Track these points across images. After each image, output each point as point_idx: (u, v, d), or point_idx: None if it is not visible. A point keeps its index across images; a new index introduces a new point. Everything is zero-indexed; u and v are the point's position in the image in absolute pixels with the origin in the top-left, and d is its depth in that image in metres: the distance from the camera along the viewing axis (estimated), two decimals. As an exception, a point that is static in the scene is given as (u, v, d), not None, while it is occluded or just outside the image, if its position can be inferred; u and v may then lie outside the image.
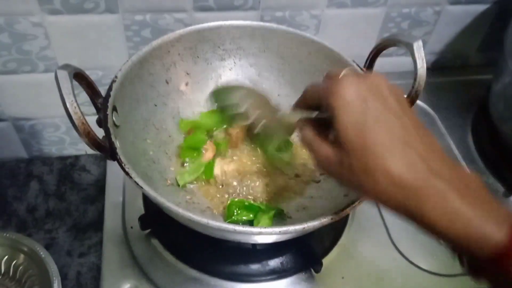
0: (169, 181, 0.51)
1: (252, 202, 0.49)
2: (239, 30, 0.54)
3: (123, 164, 0.38)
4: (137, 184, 0.37)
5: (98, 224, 0.58)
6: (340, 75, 0.33)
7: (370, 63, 0.51)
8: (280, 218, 0.49)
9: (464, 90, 0.76)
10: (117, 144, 0.40)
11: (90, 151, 0.65)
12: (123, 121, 0.44)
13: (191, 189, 0.51)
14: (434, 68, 0.77)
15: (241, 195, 0.51)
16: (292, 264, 0.51)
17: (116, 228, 0.54)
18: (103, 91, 0.43)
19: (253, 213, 0.48)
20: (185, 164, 0.52)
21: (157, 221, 0.52)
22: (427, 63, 0.44)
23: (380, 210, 0.58)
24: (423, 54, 0.44)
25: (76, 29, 0.54)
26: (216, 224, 0.36)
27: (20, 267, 0.51)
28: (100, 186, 0.63)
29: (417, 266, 0.53)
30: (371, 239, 0.55)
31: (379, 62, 0.51)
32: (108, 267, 0.50)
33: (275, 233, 0.36)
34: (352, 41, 0.67)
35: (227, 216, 0.48)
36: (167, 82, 0.53)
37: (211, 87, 0.57)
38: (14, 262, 0.52)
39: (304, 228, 0.37)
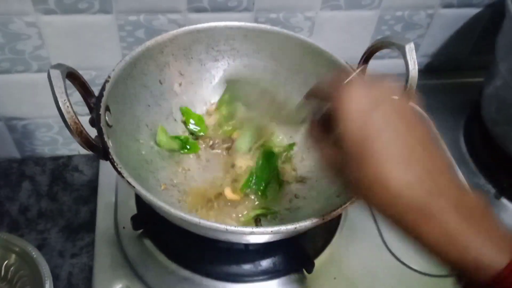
0: (161, 181, 0.51)
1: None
2: (233, 31, 0.54)
3: (115, 164, 0.38)
4: (129, 183, 0.37)
5: (90, 224, 0.58)
6: (348, 80, 0.33)
7: (363, 65, 0.51)
8: (272, 218, 0.49)
9: (457, 93, 0.76)
10: (110, 144, 0.40)
11: (83, 151, 0.65)
12: (116, 121, 0.44)
13: (184, 189, 0.52)
14: (427, 71, 0.78)
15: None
16: (284, 265, 0.51)
17: (109, 228, 0.54)
18: (96, 91, 0.43)
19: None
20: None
21: (149, 221, 0.52)
22: (420, 65, 0.45)
23: (372, 211, 0.58)
24: (415, 57, 0.44)
25: (70, 29, 0.54)
26: (208, 224, 0.36)
27: (12, 268, 0.51)
28: (92, 186, 0.63)
29: (409, 266, 0.54)
30: (363, 240, 0.55)
31: (372, 64, 0.51)
32: (100, 267, 0.50)
33: (267, 233, 0.37)
34: (346, 43, 0.67)
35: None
36: (160, 83, 0.53)
37: (204, 87, 0.57)
38: (5, 262, 0.51)
39: (295, 228, 0.37)
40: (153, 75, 0.52)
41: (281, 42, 0.55)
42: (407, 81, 0.45)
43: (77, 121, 0.36)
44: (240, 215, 0.50)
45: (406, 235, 0.30)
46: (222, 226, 0.36)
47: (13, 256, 0.51)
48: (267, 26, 0.54)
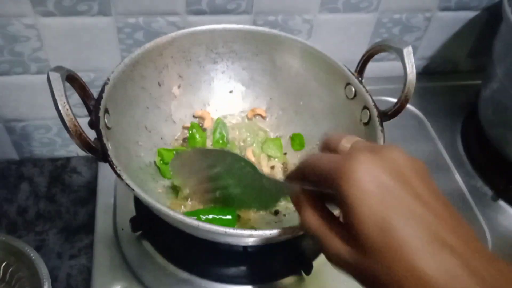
0: (160, 184, 0.51)
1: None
2: (232, 34, 0.54)
3: (114, 166, 0.38)
4: (128, 186, 0.37)
5: (88, 226, 0.58)
6: (350, 150, 0.28)
7: (361, 68, 0.51)
8: (272, 219, 0.49)
9: (454, 95, 0.77)
10: (109, 146, 0.40)
11: (82, 153, 0.65)
12: (115, 124, 0.44)
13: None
14: (424, 73, 0.78)
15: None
16: (283, 267, 0.52)
17: (107, 230, 0.54)
18: (95, 93, 0.43)
19: None
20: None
21: (148, 223, 0.52)
22: (417, 68, 0.45)
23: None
24: (413, 60, 0.44)
25: (69, 31, 0.54)
26: (207, 226, 0.36)
27: (10, 269, 0.51)
28: (91, 188, 0.63)
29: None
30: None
31: (370, 67, 0.51)
32: (99, 269, 0.50)
33: (265, 236, 0.37)
34: (344, 46, 0.68)
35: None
36: (159, 85, 0.53)
37: (203, 89, 0.57)
38: (4, 264, 0.51)
39: (294, 231, 0.37)
40: (152, 77, 0.52)
41: (279, 44, 0.55)
42: (405, 84, 0.45)
43: (76, 124, 0.36)
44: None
45: None
46: (221, 229, 0.36)
47: (12, 257, 0.51)
48: (266, 29, 0.54)
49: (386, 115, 0.47)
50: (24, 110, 0.61)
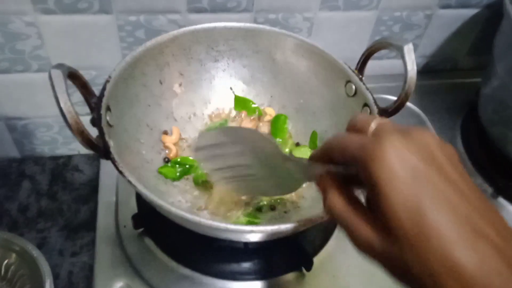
0: (162, 180, 0.51)
1: None
2: (233, 32, 0.54)
3: (116, 163, 0.39)
4: (130, 182, 0.38)
5: (90, 224, 0.58)
6: (379, 132, 0.26)
7: (361, 66, 0.51)
8: (272, 216, 0.49)
9: (454, 93, 0.77)
10: (111, 143, 0.40)
11: (83, 150, 0.65)
12: (117, 121, 0.44)
13: (184, 188, 0.52)
14: (424, 71, 0.78)
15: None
16: (283, 263, 0.52)
17: (109, 227, 0.54)
18: (96, 91, 0.43)
19: None
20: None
21: (150, 220, 0.52)
22: (417, 66, 0.45)
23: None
24: (413, 57, 0.44)
25: (69, 29, 0.54)
26: (208, 223, 0.36)
27: (12, 267, 0.51)
28: (92, 186, 0.63)
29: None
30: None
31: (371, 64, 0.51)
32: (101, 265, 0.50)
33: (266, 232, 0.37)
34: (344, 44, 0.68)
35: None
36: (160, 83, 0.53)
37: (204, 87, 0.58)
38: (5, 261, 0.51)
39: (295, 227, 0.37)
40: (153, 75, 0.52)
41: (280, 42, 0.55)
42: (405, 81, 0.45)
43: (78, 121, 0.36)
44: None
45: None
46: (222, 225, 0.36)
47: (13, 255, 0.51)
48: (266, 27, 0.54)
49: (387, 112, 0.47)
50: (25, 108, 0.61)
